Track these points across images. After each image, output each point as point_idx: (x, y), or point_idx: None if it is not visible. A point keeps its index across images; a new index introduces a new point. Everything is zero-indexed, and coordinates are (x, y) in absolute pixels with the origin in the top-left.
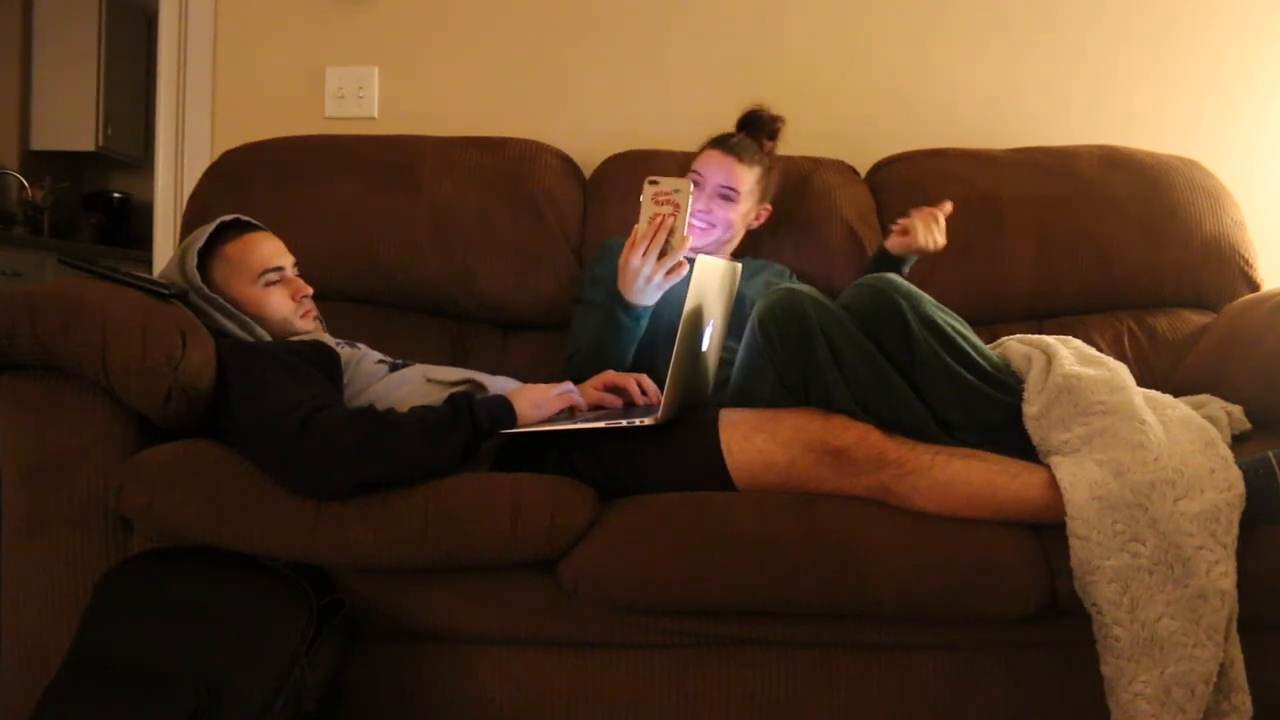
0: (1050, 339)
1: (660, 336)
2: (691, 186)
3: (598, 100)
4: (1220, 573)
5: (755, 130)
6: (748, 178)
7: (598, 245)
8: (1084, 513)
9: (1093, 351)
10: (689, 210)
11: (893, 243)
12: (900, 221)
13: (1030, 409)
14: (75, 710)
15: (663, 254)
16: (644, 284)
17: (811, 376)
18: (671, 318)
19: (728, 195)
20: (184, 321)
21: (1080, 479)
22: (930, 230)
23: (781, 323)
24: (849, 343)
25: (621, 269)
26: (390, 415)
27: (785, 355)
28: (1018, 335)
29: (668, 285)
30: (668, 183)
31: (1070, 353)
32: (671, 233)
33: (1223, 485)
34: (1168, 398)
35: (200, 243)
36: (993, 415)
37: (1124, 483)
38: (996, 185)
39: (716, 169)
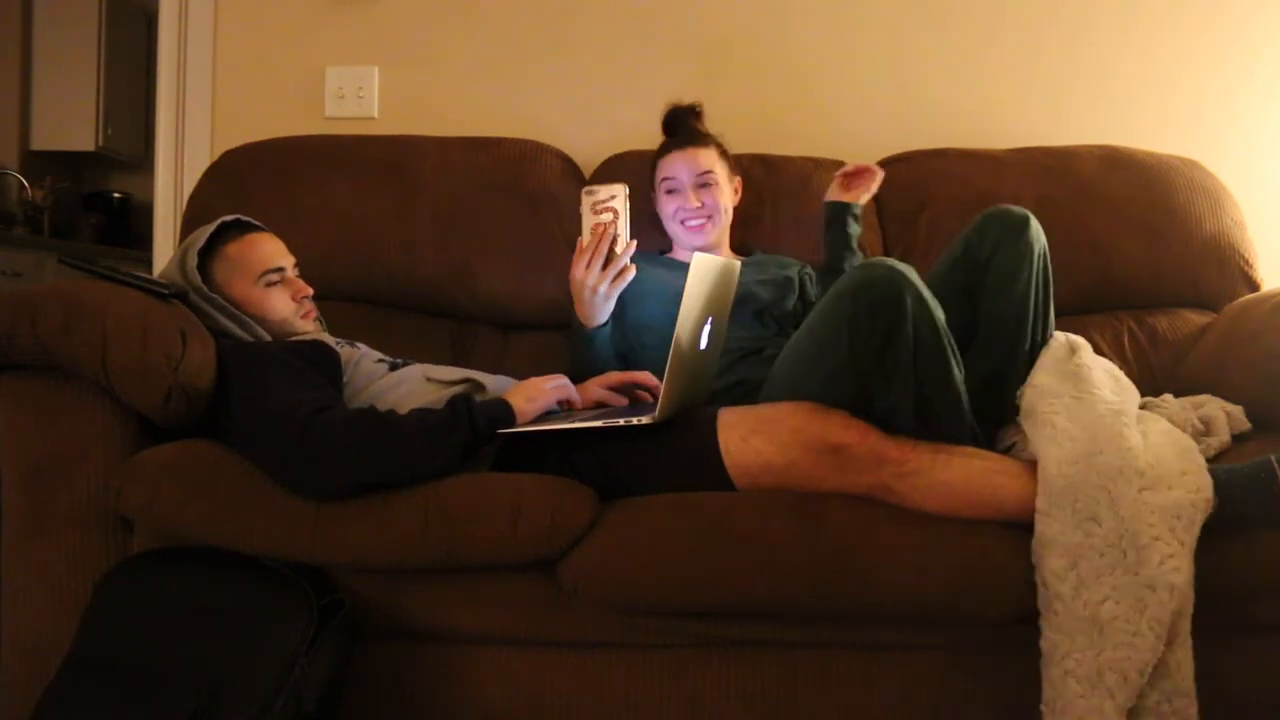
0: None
1: (659, 336)
2: (626, 190)
3: (598, 100)
4: (1173, 567)
5: (684, 121)
6: (711, 157)
7: None
8: (1050, 487)
9: (1117, 370)
10: (628, 214)
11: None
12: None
13: (1037, 379)
14: (75, 710)
15: (609, 263)
16: (591, 296)
17: (887, 362)
18: (670, 316)
19: (707, 181)
20: (184, 321)
21: (1052, 455)
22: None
23: (875, 299)
24: (932, 338)
25: (572, 288)
26: (390, 416)
27: (870, 333)
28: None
29: (615, 292)
30: (604, 190)
31: (1099, 363)
32: (615, 240)
33: (1192, 487)
34: (1152, 415)
35: (201, 243)
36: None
37: (1093, 464)
38: (996, 185)
39: (684, 165)
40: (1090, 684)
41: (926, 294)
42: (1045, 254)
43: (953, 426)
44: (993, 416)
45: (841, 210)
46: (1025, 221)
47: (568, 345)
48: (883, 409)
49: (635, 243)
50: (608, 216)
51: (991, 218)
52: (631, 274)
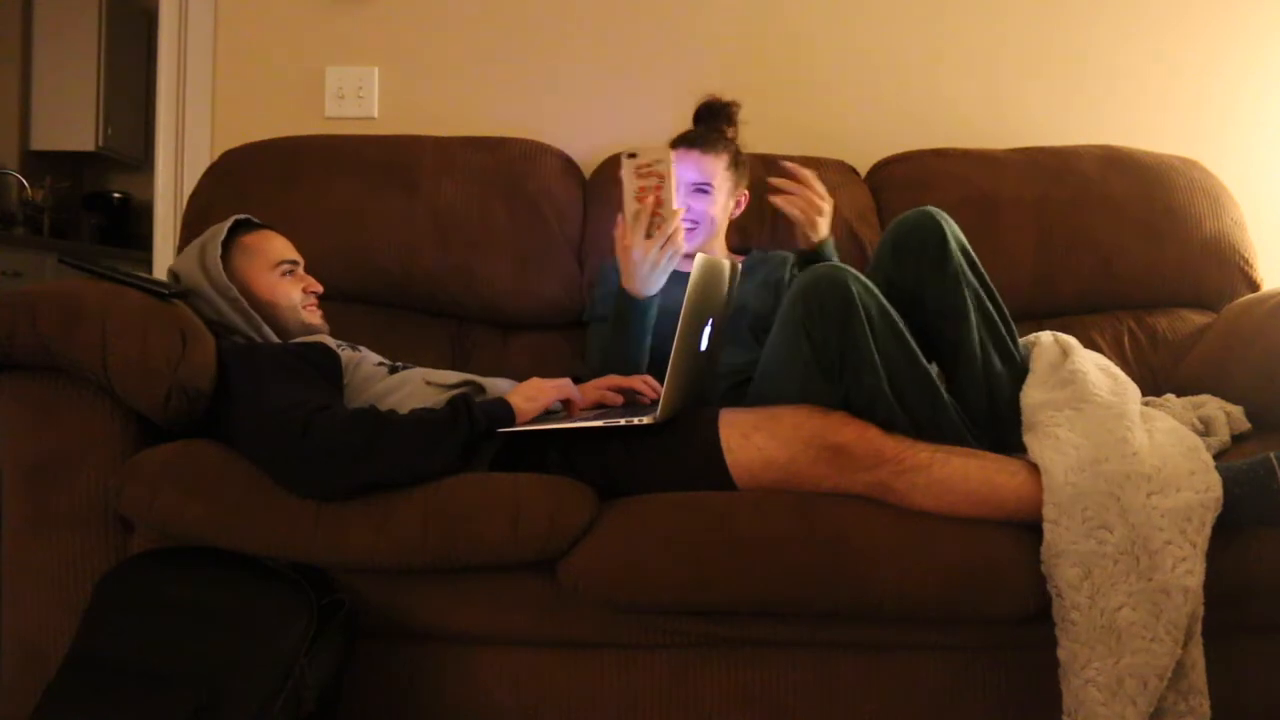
0: (1077, 347)
1: (659, 337)
2: (672, 154)
3: (598, 100)
4: (1186, 570)
5: (714, 120)
6: (718, 168)
7: (598, 245)
8: (1057, 497)
9: (1112, 365)
10: (674, 179)
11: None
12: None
13: (1034, 394)
14: (75, 710)
15: (655, 231)
16: (649, 270)
17: (849, 354)
18: (671, 320)
19: (703, 189)
20: (184, 321)
21: (1058, 464)
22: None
23: (824, 297)
24: (885, 323)
25: (623, 260)
26: (390, 416)
27: (824, 331)
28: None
29: (671, 264)
30: (648, 153)
31: (1091, 362)
32: (660, 205)
33: (1200, 487)
34: (1156, 412)
35: (222, 235)
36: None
37: (1099, 471)
38: (997, 185)
39: (684, 168)
40: (1111, 692)
41: (869, 283)
42: (968, 252)
43: (936, 412)
44: (997, 437)
45: (814, 260)
46: (941, 240)
47: (592, 336)
48: (860, 405)
49: (683, 210)
50: (652, 181)
51: (901, 244)
52: (681, 241)
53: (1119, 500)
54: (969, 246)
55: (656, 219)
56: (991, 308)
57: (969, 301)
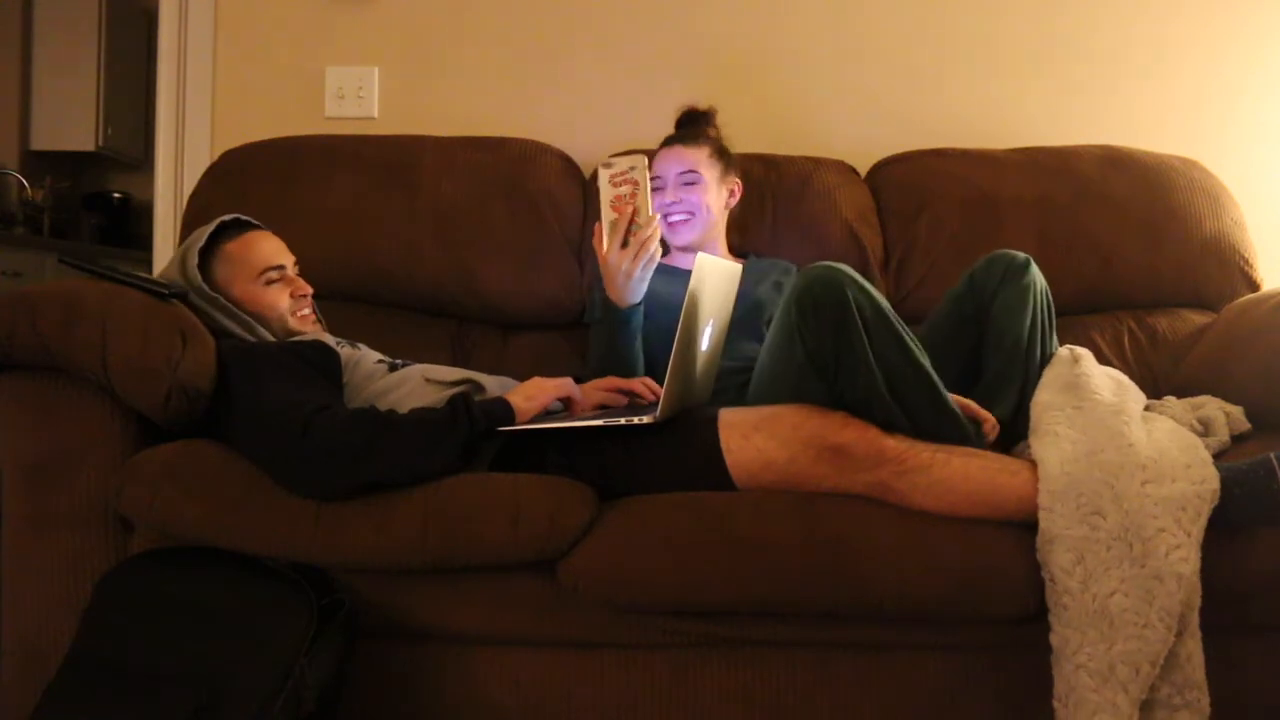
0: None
1: (659, 337)
2: (646, 161)
3: (597, 100)
4: (1179, 557)
5: (693, 125)
6: (699, 157)
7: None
8: (1052, 485)
9: (1124, 377)
10: (648, 186)
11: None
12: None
13: (1042, 397)
14: (75, 710)
15: (630, 238)
16: (624, 279)
17: (844, 356)
18: (670, 319)
19: (689, 180)
20: (184, 321)
21: (1054, 455)
22: None
23: (818, 298)
24: (881, 324)
25: (603, 269)
26: (391, 416)
27: (818, 332)
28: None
29: (648, 272)
30: (622, 162)
31: (1100, 370)
32: (636, 212)
33: (1196, 479)
34: (1157, 416)
35: (201, 242)
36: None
37: (1094, 461)
38: (996, 185)
39: (668, 162)
40: (1103, 678)
41: (867, 285)
42: (1046, 292)
43: (937, 413)
44: (1014, 436)
45: None
46: (1026, 264)
47: (592, 338)
48: (856, 406)
49: (658, 216)
50: (626, 189)
51: (995, 258)
52: (654, 248)
53: (1113, 488)
54: (1049, 290)
55: (633, 226)
56: (1047, 323)
57: (1030, 306)
